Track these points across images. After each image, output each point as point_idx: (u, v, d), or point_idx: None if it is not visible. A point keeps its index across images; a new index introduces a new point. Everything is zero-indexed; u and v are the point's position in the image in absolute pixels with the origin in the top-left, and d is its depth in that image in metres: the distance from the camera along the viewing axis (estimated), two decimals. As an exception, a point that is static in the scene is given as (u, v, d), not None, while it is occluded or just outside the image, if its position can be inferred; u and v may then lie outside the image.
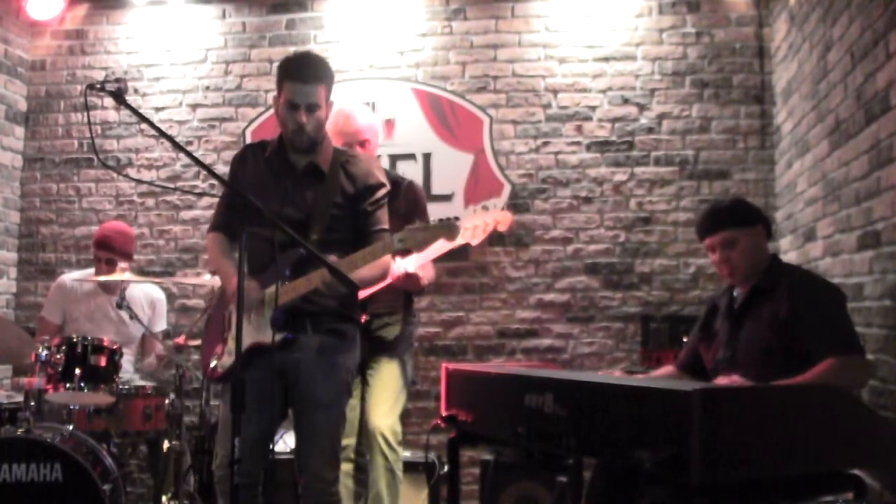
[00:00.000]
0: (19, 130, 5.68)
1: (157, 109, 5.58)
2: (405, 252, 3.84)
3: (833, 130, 3.91)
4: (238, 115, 5.52)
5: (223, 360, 3.14)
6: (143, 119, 2.75)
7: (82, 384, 3.89)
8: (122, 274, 4.25)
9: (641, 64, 5.23)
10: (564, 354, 5.14)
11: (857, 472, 2.71)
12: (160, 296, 4.81)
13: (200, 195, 5.40)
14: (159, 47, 5.63)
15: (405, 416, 4.02)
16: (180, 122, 5.57)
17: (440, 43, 5.39)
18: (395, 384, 3.89)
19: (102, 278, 4.38)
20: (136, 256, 5.22)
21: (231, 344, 3.09)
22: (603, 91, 5.24)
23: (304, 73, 3.09)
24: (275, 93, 3.23)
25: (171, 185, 5.45)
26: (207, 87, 5.57)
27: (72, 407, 3.94)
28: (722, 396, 2.28)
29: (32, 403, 3.80)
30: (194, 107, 5.58)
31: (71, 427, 3.84)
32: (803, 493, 2.56)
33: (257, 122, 5.44)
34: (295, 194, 3.13)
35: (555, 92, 5.28)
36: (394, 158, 5.26)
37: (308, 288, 2.98)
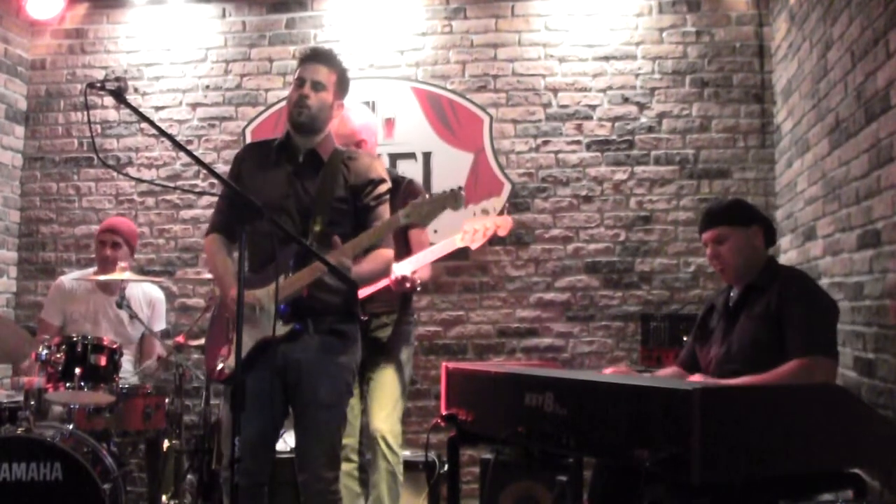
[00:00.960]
0: (19, 129, 5.68)
1: (158, 108, 5.58)
2: (405, 253, 3.85)
3: (833, 129, 3.91)
4: (238, 114, 5.52)
5: (229, 361, 3.12)
6: (143, 118, 2.75)
7: (82, 383, 3.89)
8: (121, 273, 4.25)
9: (641, 63, 5.23)
10: (564, 353, 5.14)
11: (856, 470, 2.71)
12: (159, 295, 4.81)
13: (200, 194, 5.40)
14: (159, 46, 5.63)
15: (405, 416, 4.02)
16: (180, 122, 5.57)
17: (440, 42, 5.39)
18: (395, 386, 3.89)
19: (102, 278, 4.38)
20: (136, 255, 5.22)
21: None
22: (603, 90, 5.24)
23: (314, 54, 3.26)
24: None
25: (171, 185, 5.45)
26: (207, 87, 5.57)
27: (72, 406, 3.93)
28: (722, 396, 2.29)
29: (32, 403, 3.80)
30: (194, 106, 5.58)
31: (71, 426, 3.83)
32: (803, 491, 2.57)
33: (257, 121, 5.44)
34: (297, 184, 3.16)
35: (555, 91, 5.28)
36: (394, 157, 5.25)
37: (311, 277, 2.99)
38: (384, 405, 3.84)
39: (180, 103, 5.60)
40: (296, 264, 3.03)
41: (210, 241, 3.35)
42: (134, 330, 4.61)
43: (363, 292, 3.68)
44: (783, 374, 2.88)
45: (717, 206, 3.40)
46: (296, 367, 3.08)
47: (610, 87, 5.24)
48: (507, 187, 5.23)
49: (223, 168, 5.12)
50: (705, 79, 5.17)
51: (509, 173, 5.24)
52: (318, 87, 3.19)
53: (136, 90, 5.54)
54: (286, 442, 4.15)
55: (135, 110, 2.68)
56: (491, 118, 5.28)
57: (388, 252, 3.23)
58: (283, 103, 5.24)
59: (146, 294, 4.73)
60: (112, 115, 5.62)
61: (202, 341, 4.22)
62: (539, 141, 5.26)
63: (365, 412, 3.93)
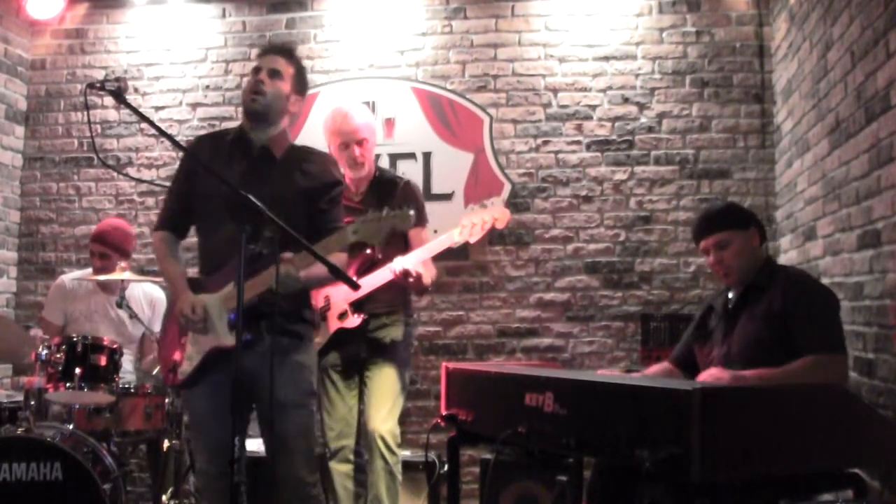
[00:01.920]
0: (19, 130, 5.68)
1: (157, 108, 5.59)
2: (404, 248, 3.85)
3: (833, 129, 3.91)
4: (238, 114, 5.51)
5: (183, 366, 3.09)
6: (143, 118, 2.75)
7: (82, 383, 3.89)
8: (121, 273, 4.24)
9: (641, 63, 5.23)
10: (564, 353, 5.14)
11: (856, 470, 2.71)
12: (160, 295, 4.80)
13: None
14: (159, 46, 5.63)
15: (405, 416, 4.03)
16: (180, 122, 5.57)
17: (440, 42, 5.39)
18: (393, 386, 3.89)
19: (102, 277, 4.37)
20: (136, 255, 5.23)
21: (190, 349, 3.08)
22: (603, 90, 5.24)
23: (272, 47, 3.32)
24: (295, 96, 3.25)
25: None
26: (207, 87, 5.57)
27: (72, 406, 3.93)
28: (722, 395, 2.29)
29: (32, 403, 3.81)
30: (194, 106, 5.58)
31: (71, 426, 3.84)
32: (803, 491, 2.57)
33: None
34: (251, 183, 2.93)
35: (555, 91, 5.28)
36: (394, 157, 5.26)
37: (262, 288, 2.87)
38: (382, 405, 3.84)
39: (180, 103, 5.60)
40: (247, 270, 2.82)
41: (160, 239, 3.28)
42: (134, 330, 4.60)
43: (362, 291, 3.69)
44: (797, 370, 2.88)
45: (713, 212, 3.38)
46: (253, 372, 2.86)
47: (610, 88, 5.24)
48: (507, 187, 5.23)
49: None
50: (705, 79, 5.17)
51: (509, 173, 5.24)
52: (274, 74, 3.16)
53: (136, 90, 5.54)
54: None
55: (135, 110, 2.68)
56: (491, 118, 5.28)
57: (341, 255, 3.11)
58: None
59: (146, 294, 4.73)
60: (112, 115, 5.62)
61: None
62: (539, 141, 5.26)
63: (362, 412, 3.93)
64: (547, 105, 5.28)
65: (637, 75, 5.22)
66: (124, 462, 4.09)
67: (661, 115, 5.18)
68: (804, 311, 3.01)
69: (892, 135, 3.22)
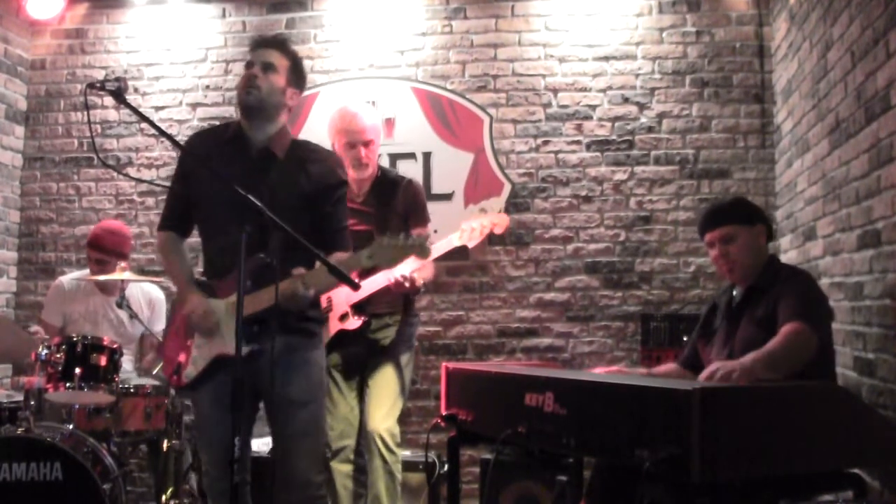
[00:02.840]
0: (19, 130, 5.68)
1: (157, 108, 5.58)
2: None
3: (833, 129, 3.91)
4: (238, 114, 5.51)
5: (188, 369, 3.05)
6: (143, 118, 2.75)
7: (82, 383, 3.88)
8: (120, 273, 4.24)
9: (641, 63, 5.23)
10: (564, 353, 5.14)
11: (856, 470, 2.71)
12: (159, 295, 4.80)
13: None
14: (159, 46, 5.63)
15: (405, 416, 4.02)
16: (180, 122, 5.57)
17: (440, 42, 5.39)
18: (394, 386, 3.90)
19: (101, 278, 4.36)
20: (135, 255, 5.23)
21: (195, 353, 3.03)
22: (603, 90, 5.24)
23: (264, 40, 3.15)
24: (291, 89, 3.17)
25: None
26: (207, 87, 5.57)
27: (72, 406, 3.93)
28: (722, 395, 2.29)
29: (32, 403, 3.80)
30: (194, 106, 5.58)
31: (71, 426, 3.84)
32: (803, 491, 2.56)
33: (257, 121, 5.43)
34: (251, 185, 2.79)
35: (555, 91, 5.28)
36: (394, 157, 5.26)
37: (271, 301, 2.76)
38: (382, 405, 3.85)
39: (180, 103, 5.60)
40: (254, 283, 2.81)
41: (164, 239, 3.23)
42: (134, 330, 4.60)
43: (364, 292, 3.69)
44: (778, 340, 2.86)
45: (721, 205, 3.36)
46: (263, 371, 2.83)
47: (610, 87, 5.24)
48: (507, 187, 5.23)
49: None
50: (705, 79, 5.17)
51: (509, 173, 5.24)
52: (267, 68, 3.04)
53: (136, 90, 5.54)
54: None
55: (135, 110, 2.68)
56: (491, 118, 5.28)
57: (342, 255, 3.03)
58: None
59: (146, 294, 4.73)
60: (112, 115, 5.62)
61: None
62: (539, 141, 5.26)
63: (363, 412, 3.93)
64: (547, 105, 5.28)
65: (637, 75, 5.22)
66: (124, 462, 4.09)
67: (661, 115, 5.18)
68: (788, 296, 3.00)
69: (892, 135, 3.22)
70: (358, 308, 3.82)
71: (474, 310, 5.25)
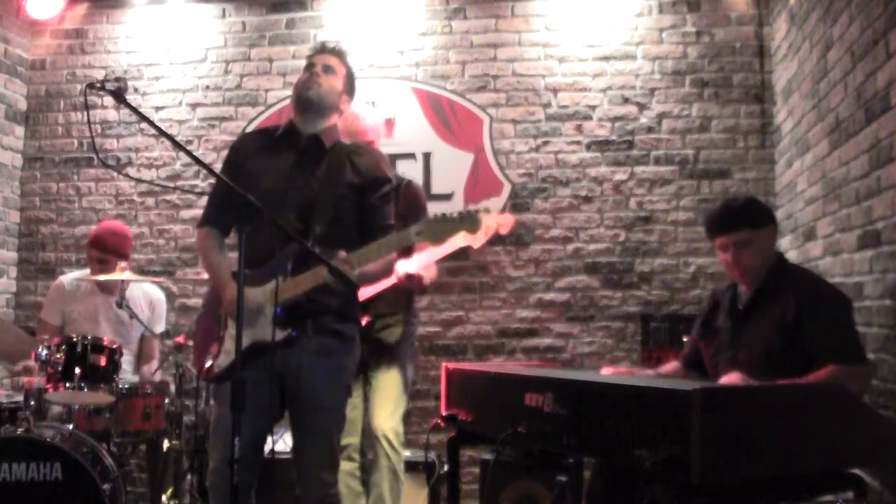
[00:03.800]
0: (19, 130, 5.68)
1: (157, 109, 5.59)
2: (408, 251, 3.85)
3: (833, 129, 3.91)
4: (238, 114, 5.52)
5: (219, 359, 3.05)
6: (143, 118, 2.74)
7: (82, 384, 3.88)
8: (121, 273, 4.24)
9: (641, 63, 5.23)
10: (564, 354, 5.14)
11: (857, 471, 2.71)
12: (160, 296, 4.80)
13: (200, 194, 5.39)
14: (159, 46, 5.63)
15: (406, 416, 4.02)
16: (180, 122, 5.57)
17: (440, 42, 5.39)
18: (397, 386, 3.90)
19: (101, 278, 4.36)
20: (135, 256, 5.23)
21: (228, 343, 3.02)
22: (603, 90, 5.24)
23: (325, 47, 3.28)
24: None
25: (171, 185, 5.45)
26: (207, 87, 5.57)
27: (72, 406, 3.93)
28: (722, 396, 2.29)
29: (32, 403, 3.80)
30: (194, 106, 5.58)
31: (71, 426, 3.83)
32: (803, 492, 2.56)
33: (257, 121, 5.43)
34: (299, 177, 3.04)
35: (555, 91, 5.28)
36: (394, 158, 5.24)
37: (313, 283, 2.86)
38: (386, 404, 3.85)
39: (180, 103, 5.60)
40: (295, 266, 2.90)
41: (203, 234, 3.25)
42: (134, 330, 4.60)
43: (367, 292, 3.68)
44: (821, 380, 2.80)
45: (734, 208, 3.21)
46: (294, 370, 2.98)
47: (610, 88, 5.24)
48: (507, 187, 5.23)
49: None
50: (705, 79, 5.17)
51: (509, 173, 5.24)
52: (328, 70, 3.16)
53: (135, 90, 5.54)
54: (286, 442, 4.15)
55: (134, 110, 2.67)
56: (491, 118, 5.28)
57: (391, 254, 3.10)
58: (284, 103, 5.28)
59: (146, 294, 4.72)
60: (112, 115, 5.62)
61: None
62: (539, 141, 5.26)
63: (367, 412, 3.93)
64: (547, 105, 5.28)
65: (637, 75, 5.22)
66: (124, 462, 4.10)
67: (661, 116, 5.18)
68: (820, 320, 2.94)
69: (891, 135, 3.22)
70: (361, 307, 3.81)
71: (474, 310, 5.25)
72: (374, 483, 3.83)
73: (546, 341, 5.17)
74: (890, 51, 3.23)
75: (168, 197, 5.54)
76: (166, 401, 4.19)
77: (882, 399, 3.33)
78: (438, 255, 3.90)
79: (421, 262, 3.77)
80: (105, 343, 4.02)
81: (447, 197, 5.20)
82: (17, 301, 5.62)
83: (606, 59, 5.25)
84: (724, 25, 5.18)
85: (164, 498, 4.29)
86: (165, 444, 4.25)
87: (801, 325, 2.95)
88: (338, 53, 3.25)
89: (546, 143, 5.26)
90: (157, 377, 4.54)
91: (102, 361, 3.97)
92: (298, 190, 3.05)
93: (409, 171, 5.02)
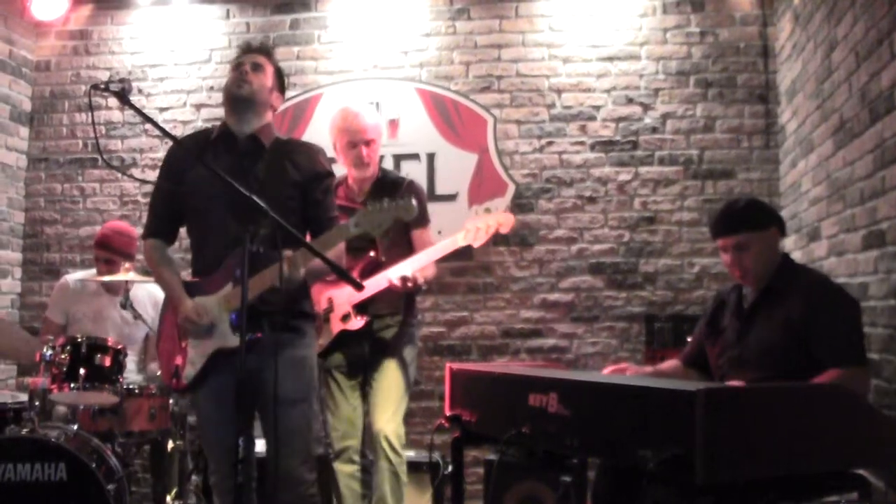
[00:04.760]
0: (24, 131, 5.69)
1: (162, 109, 5.59)
2: (405, 253, 3.86)
3: (837, 130, 3.90)
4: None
5: (186, 370, 3.07)
6: (148, 119, 2.75)
7: (87, 384, 3.89)
8: (125, 274, 4.25)
9: (645, 63, 5.23)
10: (569, 354, 5.13)
11: (861, 471, 2.71)
12: (164, 296, 4.79)
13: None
14: (163, 47, 5.64)
15: (409, 416, 4.02)
16: (184, 123, 5.57)
17: (444, 43, 5.40)
18: (398, 386, 3.89)
19: (106, 278, 4.37)
20: (140, 257, 5.22)
21: (192, 353, 3.06)
22: (607, 91, 5.24)
23: (250, 46, 3.34)
24: (276, 93, 3.27)
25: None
26: (211, 88, 5.58)
27: (76, 407, 3.93)
28: (726, 396, 2.28)
29: (37, 403, 3.80)
30: (198, 107, 5.59)
31: (75, 427, 3.84)
32: (807, 492, 2.56)
33: (261, 122, 5.43)
34: (240, 177, 2.88)
35: (559, 92, 5.28)
36: (398, 158, 5.26)
37: (263, 287, 2.89)
38: (387, 406, 3.84)
39: (184, 104, 5.60)
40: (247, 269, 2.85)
41: (150, 247, 3.26)
42: (138, 331, 4.61)
43: (367, 293, 3.68)
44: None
45: (735, 210, 3.23)
46: (256, 368, 2.93)
47: (614, 88, 5.24)
48: (511, 188, 5.23)
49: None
50: (709, 79, 5.16)
51: (513, 174, 5.24)
52: (257, 68, 3.20)
53: (140, 91, 5.55)
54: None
55: (139, 111, 2.68)
56: (495, 119, 5.28)
57: (340, 246, 3.09)
58: (287, 104, 5.29)
59: (150, 295, 4.72)
60: (116, 116, 5.63)
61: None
62: (543, 142, 5.26)
63: (368, 413, 3.93)
64: (551, 106, 5.28)
65: (641, 76, 5.22)
66: (128, 463, 4.09)
67: (665, 116, 5.18)
68: (827, 321, 2.94)
69: (896, 135, 3.21)
70: (360, 308, 3.82)
71: (478, 310, 5.25)
72: (376, 485, 3.83)
73: (550, 342, 5.17)
74: (894, 51, 3.23)
75: (172, 198, 5.54)
76: (170, 401, 4.20)
77: (887, 399, 3.32)
78: (438, 255, 3.90)
79: (416, 264, 3.78)
80: (109, 344, 4.03)
81: (451, 198, 5.20)
82: (21, 302, 5.63)
83: (610, 59, 5.25)
84: (728, 26, 5.17)
85: (168, 498, 4.29)
86: (170, 444, 4.25)
87: (808, 325, 2.95)
88: (265, 52, 3.31)
89: (550, 143, 5.26)
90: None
91: (107, 362, 3.97)
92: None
93: (413, 171, 5.03)
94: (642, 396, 2.41)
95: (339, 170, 3.80)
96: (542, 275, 5.21)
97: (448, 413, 3.27)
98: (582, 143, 5.24)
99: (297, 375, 3.10)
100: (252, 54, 3.26)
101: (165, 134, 2.71)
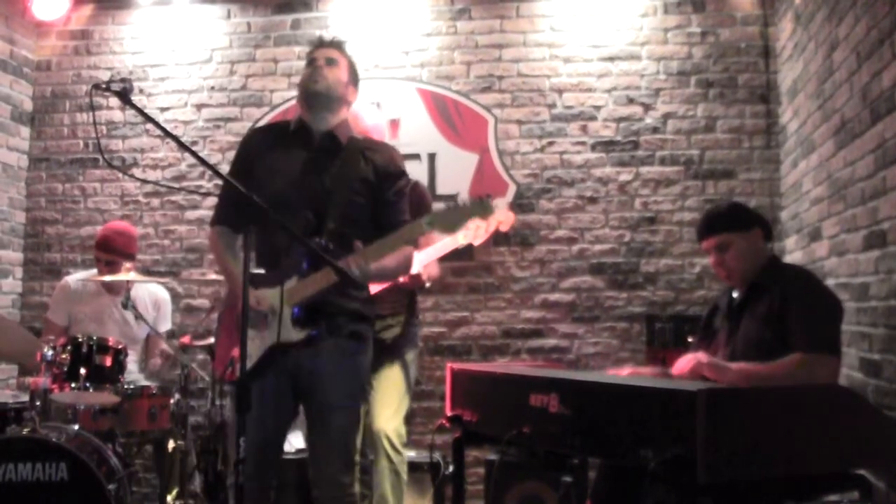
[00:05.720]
0: (25, 130, 5.69)
1: (163, 109, 5.59)
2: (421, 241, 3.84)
3: (838, 130, 3.90)
4: (243, 115, 5.53)
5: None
6: (149, 119, 2.74)
7: (87, 384, 3.89)
8: (126, 274, 4.25)
9: (646, 63, 5.23)
10: (569, 354, 5.13)
11: (862, 472, 2.71)
12: (165, 296, 4.81)
13: (205, 195, 5.39)
14: (164, 47, 5.64)
15: (410, 417, 4.02)
16: (185, 122, 5.58)
17: (445, 43, 5.40)
18: (399, 386, 3.89)
19: (107, 278, 4.37)
20: (141, 256, 5.23)
21: (249, 346, 3.02)
22: (608, 91, 5.24)
23: (322, 40, 3.23)
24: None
25: (177, 185, 5.46)
26: (213, 87, 5.58)
27: (77, 407, 3.94)
28: (727, 396, 2.28)
29: (38, 403, 3.81)
30: (199, 107, 5.59)
31: (76, 427, 3.83)
32: (808, 492, 2.56)
33: (262, 121, 5.43)
34: (312, 174, 3.00)
35: (560, 92, 5.28)
36: (399, 158, 5.25)
37: (325, 283, 2.85)
38: (388, 405, 3.84)
39: (185, 104, 5.61)
40: (309, 265, 2.89)
41: (215, 234, 3.22)
42: (139, 331, 4.61)
43: (372, 290, 3.68)
44: (784, 366, 2.85)
45: (715, 213, 3.36)
46: (309, 370, 2.97)
47: (615, 88, 5.24)
48: (512, 188, 5.23)
49: (228, 169, 5.12)
50: (710, 79, 5.16)
51: (514, 174, 5.24)
52: (331, 62, 3.12)
53: (141, 91, 5.55)
54: (290, 443, 4.16)
55: (140, 111, 2.68)
56: (496, 119, 5.28)
57: (409, 248, 3.10)
58: (289, 104, 5.29)
59: (151, 295, 4.73)
60: (117, 115, 5.63)
61: (208, 341, 4.23)
62: (544, 142, 5.26)
63: (369, 412, 3.93)
64: (552, 106, 5.28)
65: (642, 76, 5.22)
66: (129, 462, 4.09)
67: (666, 116, 5.18)
68: (798, 309, 2.98)
69: (897, 135, 3.21)
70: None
71: (479, 310, 5.25)
72: (376, 484, 3.83)
73: (551, 342, 5.17)
74: (895, 51, 3.23)
75: (173, 198, 5.55)
76: (171, 401, 4.20)
77: (887, 399, 3.32)
78: (439, 253, 3.90)
79: (421, 261, 3.77)
80: (110, 343, 4.03)
81: (452, 198, 5.19)
82: (22, 301, 5.64)
83: (611, 59, 5.25)
84: (729, 26, 5.17)
85: (169, 498, 4.29)
86: (171, 444, 4.25)
87: (785, 313, 3.00)
88: (337, 45, 3.21)
89: (551, 143, 5.26)
90: (164, 373, 4.56)
91: (108, 362, 3.98)
92: (310, 189, 3.01)
93: (414, 171, 4.99)
94: (643, 396, 2.41)
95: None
96: (543, 275, 5.21)
97: (449, 413, 3.28)
98: (583, 143, 5.24)
99: (351, 383, 3.06)
100: (325, 48, 3.17)
101: (167, 134, 2.71)
